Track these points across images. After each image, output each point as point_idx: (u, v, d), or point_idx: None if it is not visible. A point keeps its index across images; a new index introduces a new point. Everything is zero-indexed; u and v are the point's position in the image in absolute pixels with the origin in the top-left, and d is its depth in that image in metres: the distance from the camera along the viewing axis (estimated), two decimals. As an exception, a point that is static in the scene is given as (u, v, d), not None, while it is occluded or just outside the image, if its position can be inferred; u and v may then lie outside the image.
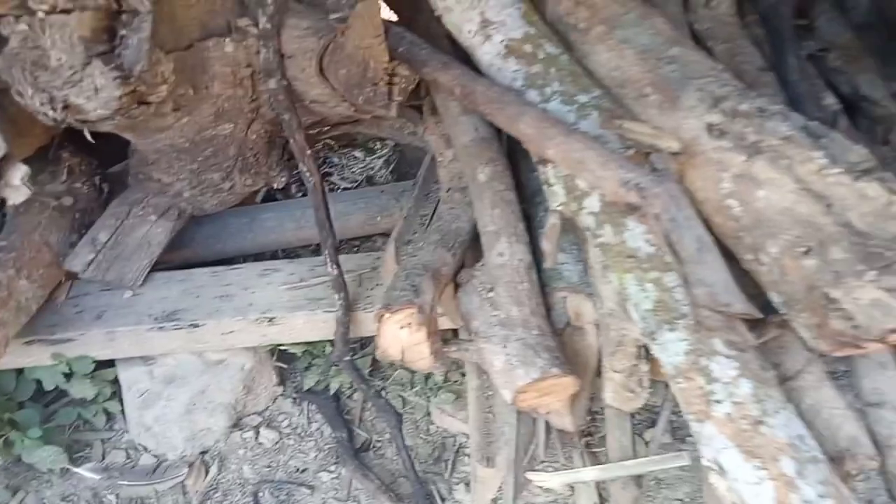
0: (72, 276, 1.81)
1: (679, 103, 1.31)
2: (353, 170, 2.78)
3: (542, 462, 1.57)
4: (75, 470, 1.87)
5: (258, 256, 2.15)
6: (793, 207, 1.18)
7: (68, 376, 1.80)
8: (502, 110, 1.30)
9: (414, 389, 2.02)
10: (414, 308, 1.41)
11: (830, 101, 2.03)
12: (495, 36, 1.55)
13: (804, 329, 1.21)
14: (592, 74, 1.49)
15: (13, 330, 1.61)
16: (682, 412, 1.21)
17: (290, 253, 2.20)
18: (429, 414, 2.01)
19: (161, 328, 1.74)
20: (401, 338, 1.42)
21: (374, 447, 1.97)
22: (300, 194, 2.34)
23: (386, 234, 2.19)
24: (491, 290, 1.43)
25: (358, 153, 2.81)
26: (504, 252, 1.43)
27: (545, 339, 1.37)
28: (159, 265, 1.86)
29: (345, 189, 2.50)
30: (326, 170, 2.69)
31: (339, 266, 1.69)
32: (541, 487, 1.51)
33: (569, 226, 1.48)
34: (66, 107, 1.17)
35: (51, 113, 1.18)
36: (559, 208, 1.38)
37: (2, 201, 1.83)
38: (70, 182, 1.84)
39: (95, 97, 1.14)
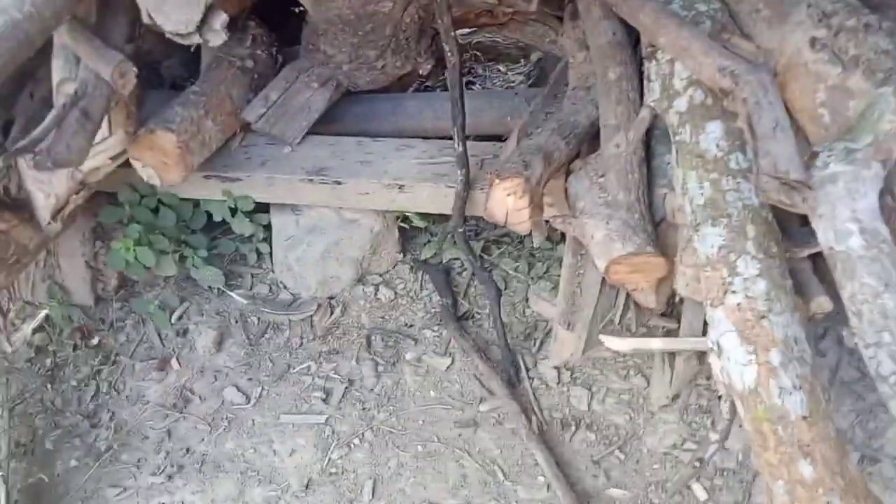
0: (245, 129, 2.14)
1: (788, 19, 1.37)
2: (496, 82, 2.96)
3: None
4: (229, 293, 2.27)
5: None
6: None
7: (233, 213, 2.16)
8: (626, 2, 1.42)
9: (516, 275, 2.22)
10: (521, 178, 1.58)
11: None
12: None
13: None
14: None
15: (197, 159, 1.97)
16: (703, 299, 1.34)
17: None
18: (527, 299, 2.20)
19: (310, 181, 2.04)
20: (506, 203, 1.60)
21: (473, 317, 2.20)
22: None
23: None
24: (602, 175, 1.57)
25: (501, 67, 2.99)
26: (620, 144, 1.56)
27: (644, 223, 1.50)
28: (312, 132, 2.15)
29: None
30: (470, 79, 2.90)
31: (465, 144, 1.88)
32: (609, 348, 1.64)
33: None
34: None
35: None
36: (652, 104, 1.49)
37: (196, 58, 2.19)
38: (253, 49, 2.16)
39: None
